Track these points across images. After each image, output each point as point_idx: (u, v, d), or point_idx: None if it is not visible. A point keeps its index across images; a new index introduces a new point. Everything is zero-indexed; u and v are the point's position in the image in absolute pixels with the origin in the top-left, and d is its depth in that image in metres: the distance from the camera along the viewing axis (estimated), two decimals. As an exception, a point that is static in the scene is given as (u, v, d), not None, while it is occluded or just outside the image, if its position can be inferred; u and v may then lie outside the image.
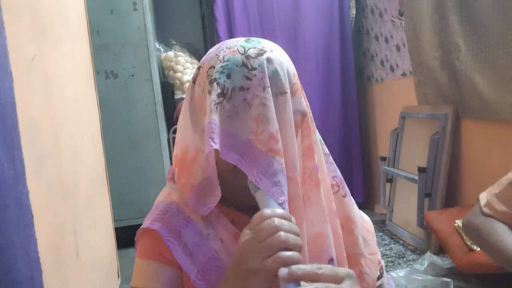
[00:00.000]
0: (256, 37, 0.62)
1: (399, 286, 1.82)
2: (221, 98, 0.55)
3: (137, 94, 2.72)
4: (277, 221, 0.50)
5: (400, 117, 2.72)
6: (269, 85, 0.55)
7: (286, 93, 0.57)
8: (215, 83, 0.55)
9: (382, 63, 2.99)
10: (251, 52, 0.56)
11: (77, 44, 1.76)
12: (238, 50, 0.57)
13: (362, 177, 3.24)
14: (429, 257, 1.98)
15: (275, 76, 0.56)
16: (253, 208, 0.54)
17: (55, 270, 1.13)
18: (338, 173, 0.68)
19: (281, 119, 0.56)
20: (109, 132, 2.50)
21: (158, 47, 3.02)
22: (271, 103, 0.55)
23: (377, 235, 2.59)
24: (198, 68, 0.61)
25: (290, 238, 0.49)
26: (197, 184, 0.60)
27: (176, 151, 0.65)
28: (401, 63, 2.75)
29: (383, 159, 2.82)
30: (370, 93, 3.23)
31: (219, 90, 0.55)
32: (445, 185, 2.28)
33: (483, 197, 1.07)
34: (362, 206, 3.14)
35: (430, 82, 2.39)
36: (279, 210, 0.52)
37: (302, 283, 0.48)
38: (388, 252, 2.41)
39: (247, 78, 0.55)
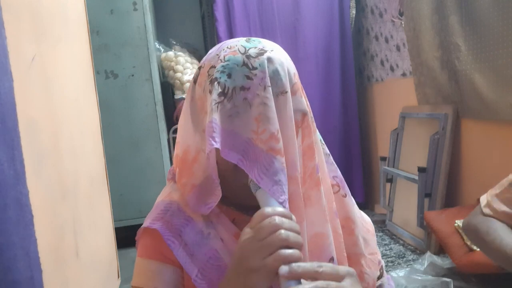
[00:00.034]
0: (256, 37, 0.62)
1: (399, 286, 1.82)
2: (222, 98, 0.55)
3: (137, 94, 2.72)
4: (277, 219, 0.50)
5: (400, 117, 2.72)
6: (269, 84, 0.55)
7: (286, 92, 0.57)
8: (216, 83, 0.56)
9: (382, 63, 2.99)
10: (252, 51, 0.57)
11: (77, 44, 1.76)
12: (238, 50, 0.57)
13: (362, 177, 3.24)
14: (429, 257, 1.98)
15: (275, 75, 0.56)
16: (254, 207, 0.54)
17: (55, 270, 1.13)
18: (339, 173, 0.68)
19: (281, 119, 0.56)
20: (109, 132, 2.50)
21: (158, 47, 3.02)
22: (271, 103, 0.55)
23: (377, 235, 2.59)
24: (199, 68, 0.61)
25: (291, 236, 0.49)
26: (198, 183, 0.60)
27: (177, 151, 0.65)
28: (401, 63, 2.75)
29: (383, 159, 2.82)
30: (370, 93, 3.23)
31: (220, 90, 0.55)
32: (445, 185, 2.28)
33: (484, 199, 1.07)
34: (362, 206, 3.13)
35: (430, 82, 2.39)
36: (280, 209, 0.52)
37: (302, 281, 0.49)
38: (388, 252, 2.41)
39: (248, 77, 0.55)
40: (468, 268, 1.79)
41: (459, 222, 1.90)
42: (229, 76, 0.55)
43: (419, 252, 2.36)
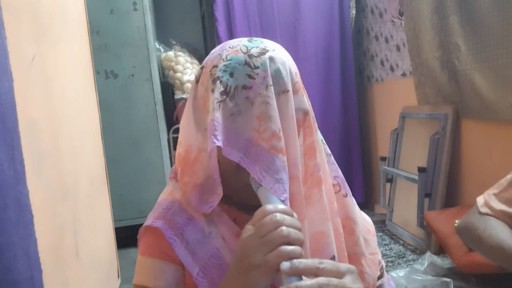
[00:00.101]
0: (256, 37, 0.62)
1: (399, 286, 1.82)
2: (224, 96, 0.55)
3: (137, 94, 2.72)
4: (279, 216, 0.50)
5: (400, 117, 2.72)
6: (271, 83, 0.56)
7: (288, 91, 0.57)
8: (218, 82, 0.56)
9: (382, 63, 2.99)
10: (254, 51, 0.57)
11: (77, 44, 1.76)
12: (240, 49, 0.57)
13: (362, 177, 3.24)
14: (429, 257, 1.98)
15: (277, 74, 0.57)
16: (255, 207, 0.54)
17: (55, 270, 1.13)
18: (340, 173, 0.68)
19: (283, 117, 0.56)
20: (109, 132, 2.49)
21: (158, 47, 3.02)
22: (273, 102, 0.55)
23: (377, 235, 2.58)
24: (201, 68, 0.62)
25: (292, 233, 0.49)
26: (199, 182, 0.60)
27: (179, 150, 0.65)
28: (401, 63, 2.75)
29: (383, 159, 2.83)
30: (370, 93, 3.23)
31: (222, 89, 0.55)
32: (445, 185, 2.28)
33: (480, 199, 1.06)
34: (362, 206, 3.12)
35: (430, 82, 2.39)
36: (281, 206, 0.52)
37: (303, 278, 0.49)
38: (388, 252, 2.41)
39: (250, 76, 0.55)
40: (468, 268, 1.79)
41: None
42: (231, 75, 0.56)
43: (419, 252, 2.36)
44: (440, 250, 2.19)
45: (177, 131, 2.85)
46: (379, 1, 2.92)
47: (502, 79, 1.86)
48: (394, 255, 2.37)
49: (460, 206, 2.20)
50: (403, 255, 2.35)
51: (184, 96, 2.87)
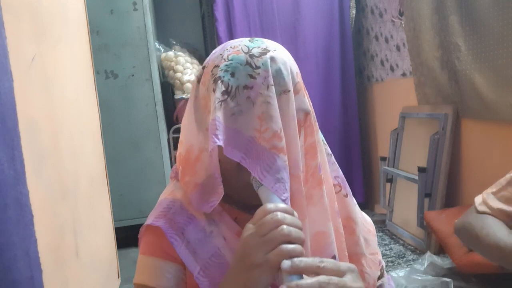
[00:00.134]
0: (256, 37, 0.63)
1: (399, 286, 1.82)
2: (225, 96, 0.55)
3: (137, 94, 2.72)
4: (279, 215, 0.50)
5: (400, 117, 2.72)
6: (272, 83, 0.56)
7: (289, 91, 0.57)
8: (219, 81, 0.56)
9: (382, 63, 2.99)
10: (255, 51, 0.57)
11: (77, 44, 1.76)
12: (242, 49, 0.58)
13: (362, 177, 3.24)
14: (429, 257, 1.98)
15: (278, 74, 0.57)
16: (256, 207, 0.54)
17: (55, 270, 1.13)
18: (340, 173, 0.68)
19: (284, 117, 0.56)
20: (109, 132, 2.50)
21: (158, 47, 3.02)
22: (274, 101, 0.55)
23: (377, 235, 2.58)
24: (203, 68, 0.62)
25: (293, 232, 0.50)
26: (200, 182, 0.61)
27: (180, 149, 0.65)
28: (401, 63, 2.75)
29: (383, 159, 2.83)
30: (370, 93, 3.23)
31: (223, 88, 0.56)
32: (445, 185, 2.28)
33: (479, 198, 1.06)
34: (362, 206, 3.11)
35: (430, 82, 2.39)
36: (282, 205, 0.52)
37: (304, 276, 0.49)
38: (388, 252, 2.41)
39: (251, 76, 0.56)
40: (468, 268, 1.79)
41: (459, 222, 1.90)
42: (232, 75, 0.56)
43: (419, 252, 2.36)
44: (440, 250, 2.19)
45: (177, 131, 2.85)
46: (379, 1, 2.92)
47: (502, 79, 1.86)
48: (394, 255, 2.37)
49: (460, 206, 2.20)
50: (403, 255, 2.35)
51: (184, 96, 2.87)
